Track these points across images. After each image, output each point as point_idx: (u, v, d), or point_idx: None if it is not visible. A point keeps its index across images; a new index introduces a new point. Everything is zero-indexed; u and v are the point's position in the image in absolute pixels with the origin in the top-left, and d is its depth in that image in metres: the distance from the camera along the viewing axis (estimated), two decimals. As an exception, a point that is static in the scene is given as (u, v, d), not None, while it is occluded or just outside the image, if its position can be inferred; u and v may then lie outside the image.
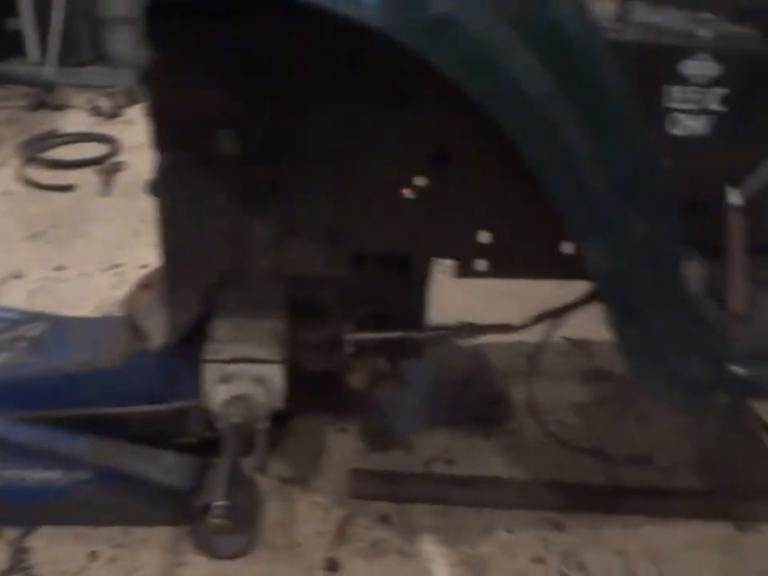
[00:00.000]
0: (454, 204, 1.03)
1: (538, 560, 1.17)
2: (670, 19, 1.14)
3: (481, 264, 1.08)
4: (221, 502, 0.82)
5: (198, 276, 1.05)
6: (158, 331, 1.13)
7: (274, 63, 0.92)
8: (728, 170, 1.05)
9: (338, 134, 0.97)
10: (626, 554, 1.19)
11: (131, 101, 3.32)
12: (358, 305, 1.16)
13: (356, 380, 1.12)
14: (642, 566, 1.17)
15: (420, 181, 1.02)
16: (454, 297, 1.96)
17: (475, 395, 1.61)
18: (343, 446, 1.41)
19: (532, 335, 1.31)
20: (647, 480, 1.33)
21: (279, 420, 1.45)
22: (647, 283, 0.82)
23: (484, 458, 1.40)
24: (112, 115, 3.31)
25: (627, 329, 0.83)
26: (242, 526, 1.08)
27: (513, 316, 1.90)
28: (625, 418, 1.49)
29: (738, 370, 0.87)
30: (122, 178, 2.64)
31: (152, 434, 1.23)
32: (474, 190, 1.02)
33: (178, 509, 1.13)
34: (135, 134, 3.04)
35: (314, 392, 1.50)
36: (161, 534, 1.16)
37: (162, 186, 0.99)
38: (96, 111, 3.33)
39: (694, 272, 0.98)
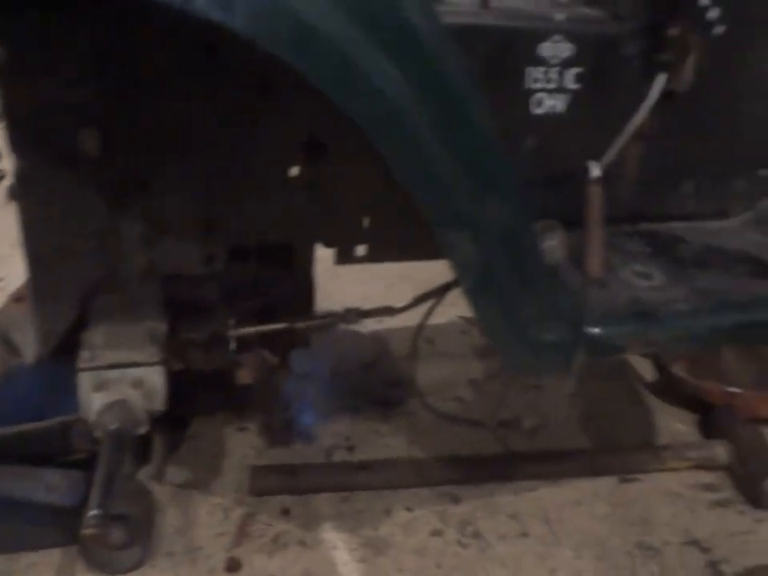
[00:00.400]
0: (331, 191, 1.05)
1: (437, 533, 1.21)
2: (530, 3, 1.19)
3: (360, 249, 1.10)
4: (94, 512, 0.80)
5: (67, 283, 1.01)
6: (31, 344, 1.09)
7: (131, 59, 0.90)
8: (587, 145, 1.11)
9: (205, 126, 0.96)
10: (519, 516, 1.25)
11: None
12: (242, 299, 1.15)
13: (243, 375, 1.12)
14: (533, 527, 1.23)
15: (295, 169, 1.03)
16: (351, 286, 2.00)
17: (375, 380, 1.64)
18: (243, 445, 1.40)
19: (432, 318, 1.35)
20: (532, 444, 1.41)
21: (178, 424, 1.44)
22: (504, 264, 0.86)
23: (384, 442, 1.43)
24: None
25: (484, 302, 0.87)
26: (135, 536, 1.06)
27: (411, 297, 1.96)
28: (518, 388, 1.56)
29: (594, 330, 0.93)
30: (3, 187, 2.49)
31: (36, 454, 1.18)
32: (350, 176, 1.03)
33: (68, 528, 1.09)
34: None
35: (211, 392, 1.49)
36: (51, 557, 1.11)
37: (23, 191, 0.95)
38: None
39: (556, 241, 1.03)
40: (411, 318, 1.34)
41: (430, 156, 0.80)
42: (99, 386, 0.96)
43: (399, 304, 1.28)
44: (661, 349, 1.23)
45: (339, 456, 1.39)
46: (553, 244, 1.01)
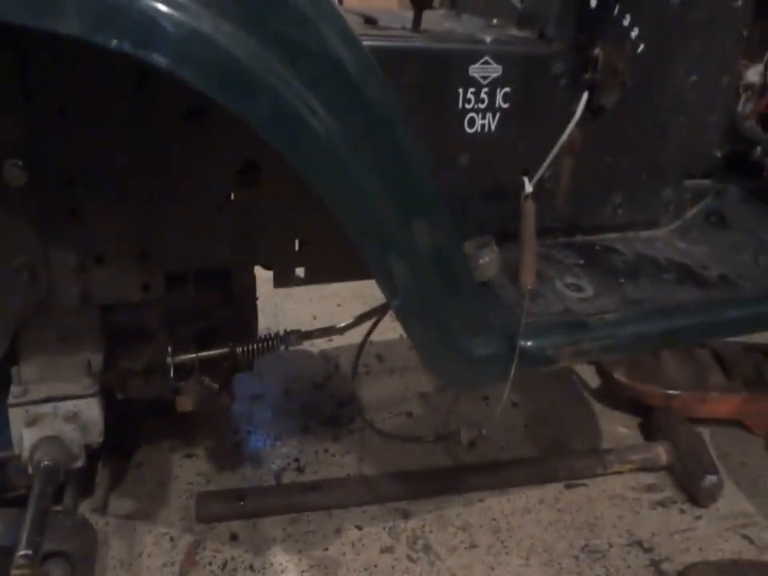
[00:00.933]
0: (266, 214, 1.04)
1: (387, 549, 1.21)
2: (465, 26, 1.22)
3: (298, 272, 1.11)
4: (23, 552, 0.78)
5: (-3, 317, 0.99)
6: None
7: (58, 86, 0.89)
8: (519, 161, 1.14)
9: (136, 153, 0.95)
10: (469, 528, 1.27)
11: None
12: (181, 325, 1.14)
13: (183, 403, 1.10)
14: (483, 537, 1.25)
15: (230, 194, 1.02)
16: (303, 306, 2.00)
17: (325, 399, 1.64)
18: (190, 471, 1.38)
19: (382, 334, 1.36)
20: (485, 456, 1.43)
21: (122, 454, 1.41)
22: (434, 286, 0.88)
23: (334, 461, 1.43)
24: None
25: (415, 322, 0.88)
26: (76, 573, 1.03)
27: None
28: (463, 400, 1.58)
29: (526, 343, 0.95)
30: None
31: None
32: (285, 198, 1.04)
33: (3, 569, 1.05)
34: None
35: (156, 420, 1.47)
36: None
37: (-52, 223, 0.92)
38: None
39: (490, 257, 1.05)
40: (361, 335, 1.35)
41: (356, 182, 0.81)
42: (31, 422, 0.94)
43: (345, 323, 1.29)
44: (592, 358, 1.26)
45: (289, 477, 1.39)
46: (487, 260, 1.04)
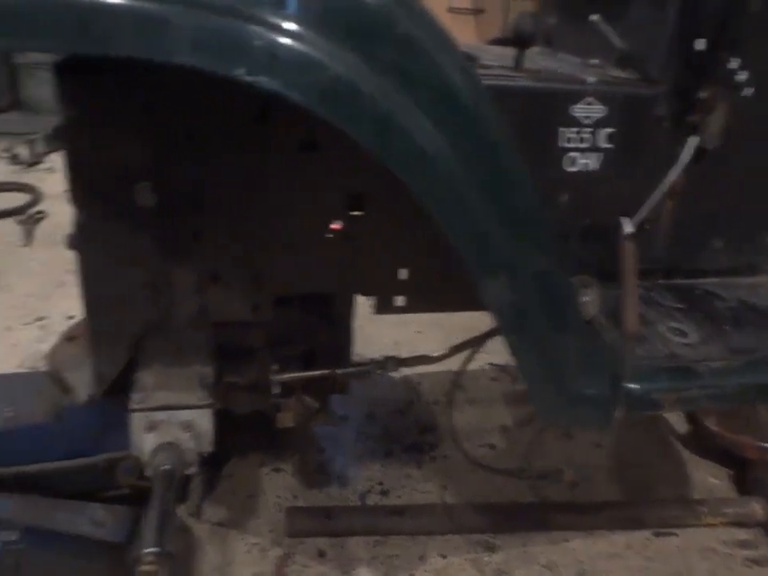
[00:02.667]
0: (372, 243, 1.08)
1: (472, 581, 1.22)
2: (563, 65, 1.23)
3: (399, 300, 1.14)
4: (151, 549, 0.83)
5: (122, 327, 1.06)
6: (83, 384, 1.13)
7: (186, 118, 0.96)
8: (619, 201, 1.14)
9: (255, 180, 1.00)
10: (554, 567, 1.25)
11: (51, 148, 3.27)
12: (285, 345, 1.19)
13: (284, 419, 1.15)
14: (568, 578, 1.23)
15: (339, 222, 1.07)
16: (384, 330, 2.03)
17: (408, 425, 1.66)
18: (279, 486, 1.43)
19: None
20: (571, 496, 1.41)
21: (214, 464, 1.47)
22: (542, 312, 0.89)
23: (417, 486, 1.45)
24: (32, 163, 3.25)
25: (526, 356, 0.90)
26: (177, 573, 1.08)
27: (440, 345, 1.99)
28: (547, 436, 1.57)
29: (632, 386, 0.95)
30: (43, 227, 2.60)
31: (83, 488, 1.22)
32: (390, 228, 1.07)
33: (114, 562, 1.12)
34: (56, 181, 2.99)
35: (249, 433, 1.52)
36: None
37: (82, 240, 1.00)
38: (15, 159, 3.26)
39: (592, 296, 1.06)
40: (443, 363, 1.36)
41: (469, 205, 0.83)
42: (151, 427, 0.99)
43: (429, 349, 1.30)
44: (697, 406, 1.23)
45: (373, 500, 1.41)
46: (588, 299, 1.04)
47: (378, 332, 2.04)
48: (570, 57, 1.32)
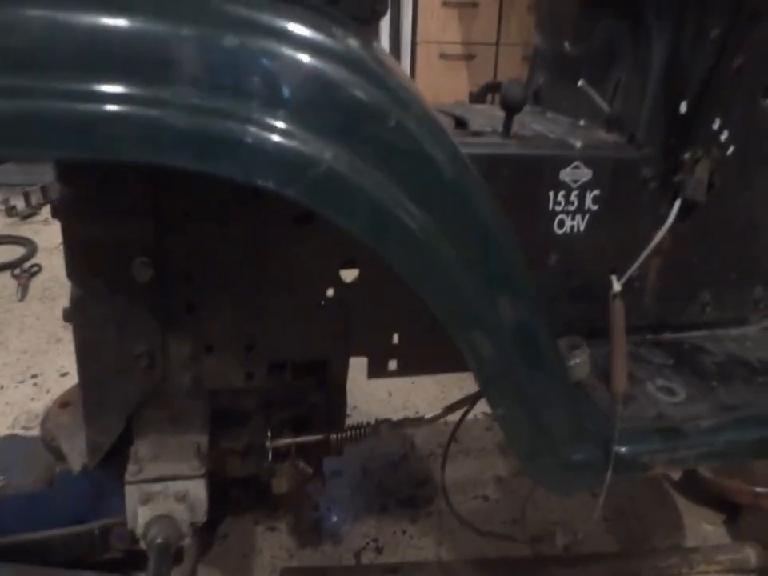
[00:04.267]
0: (363, 309, 1.10)
1: (468, 643, 1.21)
2: (551, 127, 1.26)
3: (392, 364, 1.15)
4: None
5: (118, 398, 1.06)
6: (77, 454, 1.13)
7: (183, 195, 0.98)
8: (607, 260, 1.17)
9: (250, 253, 1.02)
10: (550, 626, 1.25)
11: (47, 200, 3.28)
12: (279, 409, 1.20)
13: (279, 485, 1.15)
14: (565, 638, 1.23)
15: (331, 289, 1.09)
16: (378, 382, 2.03)
17: (402, 478, 1.66)
18: (273, 545, 1.42)
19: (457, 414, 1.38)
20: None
21: (208, 524, 1.46)
22: (528, 380, 0.90)
23: (412, 542, 1.44)
24: (27, 215, 3.27)
25: (514, 424, 0.91)
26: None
27: (433, 396, 2.00)
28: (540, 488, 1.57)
29: (623, 449, 0.96)
30: (39, 281, 2.59)
31: (75, 555, 1.22)
32: (382, 294, 1.09)
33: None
34: (51, 233, 3.02)
35: (242, 492, 1.52)
36: None
37: (78, 314, 1.01)
38: (10, 212, 3.27)
39: (581, 357, 1.07)
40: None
41: (457, 284, 0.84)
42: (145, 499, 1.00)
43: (423, 400, 1.31)
44: (686, 466, 1.24)
45: (368, 557, 1.41)
46: (578, 361, 1.05)
47: (372, 384, 2.04)
48: (558, 117, 1.35)
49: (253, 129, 0.67)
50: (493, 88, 1.75)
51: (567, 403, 0.96)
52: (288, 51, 0.68)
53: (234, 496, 1.49)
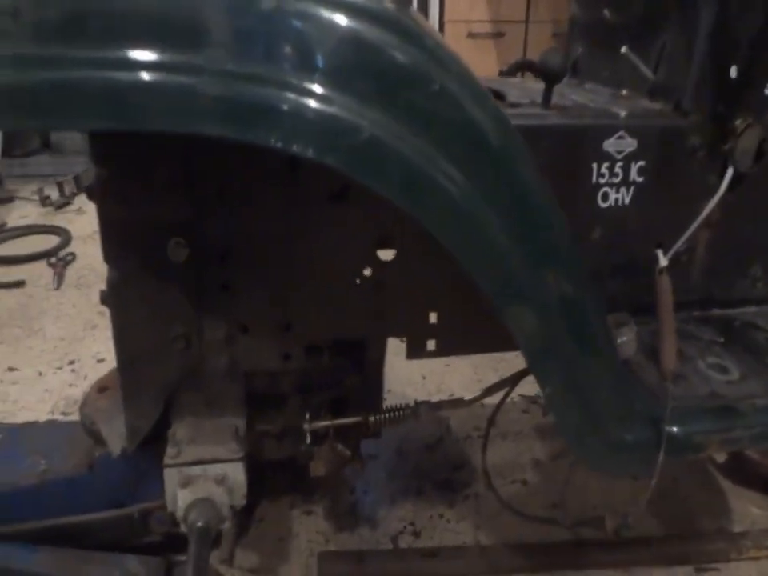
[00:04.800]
0: (400, 288, 1.08)
1: (511, 626, 1.19)
2: (592, 97, 1.21)
3: (430, 344, 1.12)
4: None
5: (155, 381, 1.06)
6: (117, 437, 1.13)
7: (219, 173, 0.96)
8: (653, 234, 1.12)
9: (285, 231, 1.01)
10: (594, 610, 1.22)
11: (81, 189, 3.32)
12: (316, 392, 1.18)
13: (317, 467, 1.14)
14: (610, 622, 1.20)
15: (368, 268, 1.06)
16: (412, 364, 2.01)
17: (438, 461, 1.64)
18: (309, 529, 1.41)
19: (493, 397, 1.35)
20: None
21: (245, 508, 1.46)
22: (575, 356, 0.87)
23: (449, 527, 1.42)
24: (61, 205, 3.30)
25: (563, 403, 0.88)
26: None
27: (468, 379, 1.97)
28: (581, 470, 1.53)
29: (674, 430, 0.92)
30: (74, 269, 2.62)
31: (115, 539, 1.22)
32: (420, 273, 1.06)
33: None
34: (86, 223, 3.05)
35: (278, 477, 1.51)
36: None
37: (115, 297, 1.00)
38: (44, 201, 3.31)
39: (628, 335, 1.03)
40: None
41: (500, 253, 0.81)
42: (185, 483, 0.99)
43: (458, 383, 1.28)
44: (741, 447, 1.20)
45: (405, 541, 1.39)
46: (625, 339, 1.02)
47: (407, 366, 2.02)
48: (599, 87, 1.30)
49: (291, 95, 0.64)
50: (523, 66, 1.70)
51: (617, 382, 0.92)
52: (325, 13, 0.65)
53: (270, 479, 1.49)
